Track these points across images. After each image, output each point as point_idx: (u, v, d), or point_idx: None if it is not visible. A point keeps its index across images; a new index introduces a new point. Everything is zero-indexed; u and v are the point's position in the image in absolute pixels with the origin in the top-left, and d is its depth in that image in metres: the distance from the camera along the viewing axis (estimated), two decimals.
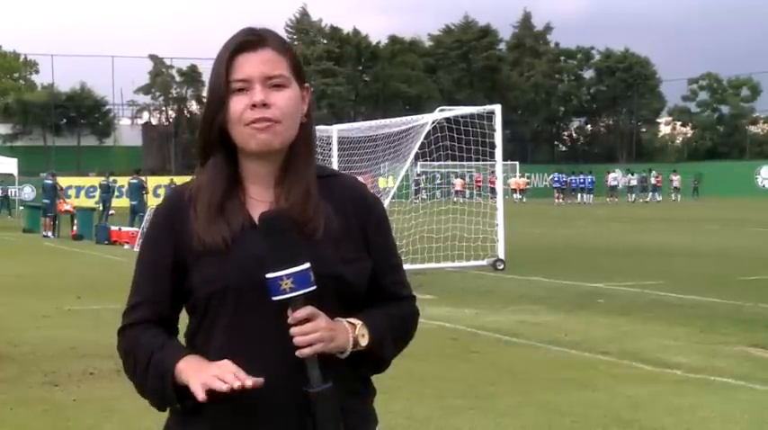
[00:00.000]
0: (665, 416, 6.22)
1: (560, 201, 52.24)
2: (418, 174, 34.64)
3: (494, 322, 10.19)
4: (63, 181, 34.77)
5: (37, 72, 68.35)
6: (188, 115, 67.08)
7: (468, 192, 31.69)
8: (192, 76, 66.42)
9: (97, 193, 36.59)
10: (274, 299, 1.77)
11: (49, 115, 62.00)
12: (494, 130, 17.09)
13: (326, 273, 1.82)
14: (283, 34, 2.03)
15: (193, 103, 67.37)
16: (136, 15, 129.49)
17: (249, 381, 1.74)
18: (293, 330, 1.78)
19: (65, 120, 64.09)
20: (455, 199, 28.99)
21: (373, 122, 21.73)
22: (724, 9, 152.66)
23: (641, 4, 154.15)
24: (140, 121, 68.85)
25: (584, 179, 54.40)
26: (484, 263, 16.08)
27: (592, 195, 53.64)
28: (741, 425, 6.06)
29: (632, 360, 8.03)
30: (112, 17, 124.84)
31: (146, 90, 67.45)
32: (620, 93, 76.40)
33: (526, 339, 9.15)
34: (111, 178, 33.00)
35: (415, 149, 17.85)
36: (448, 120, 18.13)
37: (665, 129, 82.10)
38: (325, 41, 72.15)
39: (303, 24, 72.97)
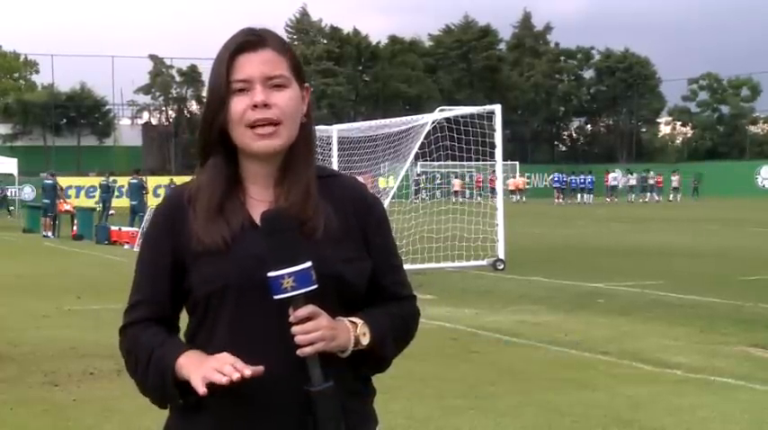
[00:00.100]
0: (665, 416, 6.22)
1: (560, 201, 52.24)
2: (418, 174, 34.64)
3: (494, 322, 10.19)
4: (63, 181, 34.78)
5: (37, 72, 68.42)
6: (188, 115, 67.09)
7: (468, 192, 31.72)
8: (191, 76, 66.43)
9: (97, 193, 36.59)
10: (275, 297, 1.77)
11: (49, 115, 62.00)
12: (494, 130, 17.09)
13: (326, 273, 1.82)
14: (283, 34, 2.03)
15: (193, 102, 67.38)
16: (136, 15, 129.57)
17: (248, 371, 1.74)
18: (294, 329, 1.78)
19: (65, 121, 64.09)
20: (454, 199, 28.98)
21: (373, 122, 21.73)
22: (724, 9, 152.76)
23: (641, 4, 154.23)
24: (140, 121, 68.87)
25: (584, 179, 54.39)
26: (484, 263, 16.08)
27: (592, 195, 53.63)
28: (741, 425, 6.06)
29: (632, 360, 8.03)
30: (112, 17, 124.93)
31: (146, 90, 67.46)
32: (620, 93, 76.41)
33: (526, 339, 9.15)
34: (111, 178, 32.99)
35: (415, 149, 17.85)
36: (448, 120, 18.13)
37: (665, 129, 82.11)
38: (325, 41, 72.16)
39: (303, 24, 72.97)
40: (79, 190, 47.73)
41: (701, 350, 8.49)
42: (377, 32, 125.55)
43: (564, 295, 12.36)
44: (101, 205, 30.86)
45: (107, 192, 31.07)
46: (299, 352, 1.78)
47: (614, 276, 14.32)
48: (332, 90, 66.21)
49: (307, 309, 1.78)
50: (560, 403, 6.56)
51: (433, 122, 17.84)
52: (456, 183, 38.98)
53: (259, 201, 1.92)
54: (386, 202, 17.12)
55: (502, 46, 78.63)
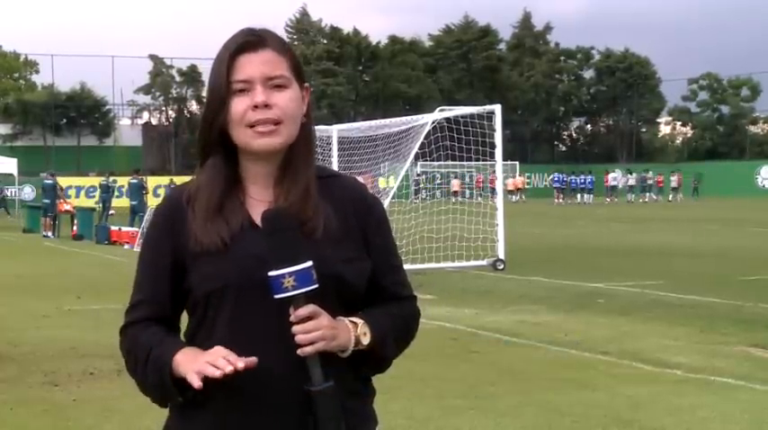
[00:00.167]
0: (665, 416, 6.22)
1: (560, 201, 52.24)
2: (418, 174, 34.64)
3: (494, 322, 10.19)
4: (63, 181, 34.79)
5: (37, 72, 68.41)
6: (188, 115, 67.09)
7: (468, 192, 31.73)
8: (191, 76, 66.43)
9: (97, 193, 36.59)
10: (276, 297, 1.77)
11: (49, 115, 62.00)
12: (494, 130, 17.09)
13: (326, 273, 1.82)
14: (283, 34, 2.03)
15: (193, 102, 67.37)
16: (136, 15, 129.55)
17: (241, 363, 1.74)
18: (295, 328, 1.78)
19: (65, 121, 64.09)
20: (454, 199, 28.98)
21: (373, 122, 21.73)
22: (724, 9, 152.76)
23: (641, 4, 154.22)
24: (140, 121, 68.86)
25: (584, 179, 54.39)
26: (484, 263, 16.08)
27: (592, 195, 53.63)
28: (741, 425, 6.06)
29: (632, 360, 8.03)
30: (112, 17, 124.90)
31: (146, 90, 67.46)
32: (620, 93, 76.40)
33: (526, 339, 9.15)
34: (111, 178, 33.01)
35: (415, 149, 17.85)
36: (448, 120, 18.13)
37: (665, 129, 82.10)
38: (325, 41, 72.16)
39: (303, 24, 72.97)
40: (79, 190, 47.73)
41: (701, 350, 8.49)
42: (377, 32, 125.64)
43: (564, 295, 12.36)
44: (101, 205, 30.87)
45: (107, 192, 31.07)
46: (299, 351, 1.78)
47: (614, 276, 14.32)
48: (332, 90, 66.21)
49: (307, 308, 1.78)
50: (560, 403, 6.56)
51: (433, 122, 17.84)
52: (455, 184, 38.98)
53: (259, 200, 1.92)
54: (386, 202, 17.12)
55: (502, 46, 78.63)
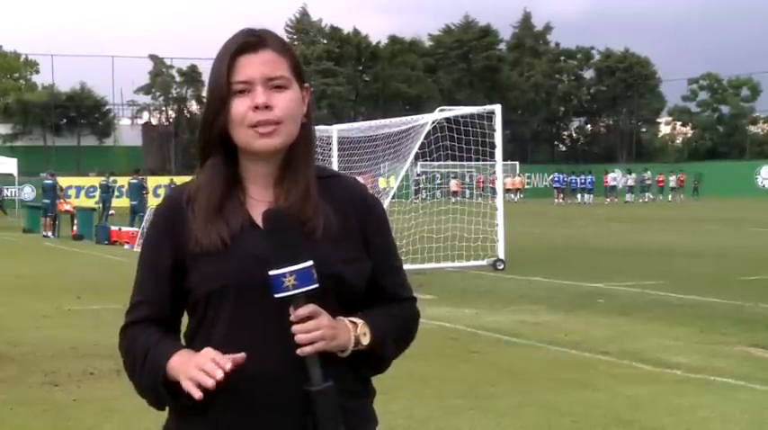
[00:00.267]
0: (665, 416, 6.22)
1: (560, 201, 52.23)
2: (418, 174, 34.62)
3: (494, 322, 10.19)
4: (63, 181, 34.80)
5: (37, 72, 68.40)
6: (188, 115, 67.08)
7: (468, 191, 31.69)
8: (192, 76, 66.42)
9: (97, 193, 36.60)
10: (276, 296, 1.77)
11: (49, 115, 61.99)
12: (494, 130, 17.09)
13: (326, 273, 1.82)
14: (283, 34, 2.03)
15: (193, 102, 67.36)
16: (136, 15, 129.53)
17: (229, 364, 1.74)
18: (295, 328, 1.78)
19: (65, 120, 64.08)
20: (454, 199, 28.98)
21: (373, 122, 21.73)
22: (724, 9, 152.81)
23: (641, 4, 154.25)
24: (140, 121, 68.85)
25: (584, 179, 54.40)
26: (484, 263, 16.08)
27: (592, 195, 53.63)
28: (741, 425, 6.06)
29: (632, 360, 8.03)
30: (112, 17, 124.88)
31: (146, 90, 67.44)
32: (620, 93, 76.40)
33: (526, 339, 9.15)
34: (111, 178, 33.01)
35: (415, 149, 17.85)
36: (448, 120, 18.13)
37: (665, 129, 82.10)
38: (325, 41, 72.15)
39: (303, 24, 72.96)
40: (79, 190, 47.73)
41: (701, 350, 8.50)
42: (377, 32, 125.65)
43: (564, 295, 12.37)
44: (101, 205, 30.87)
45: (107, 192, 31.07)
46: (298, 351, 1.78)
47: (614, 276, 14.32)
48: (332, 90, 66.21)
49: (307, 308, 1.78)
50: (560, 403, 6.56)
51: (433, 122, 17.84)
52: (453, 184, 38.95)
53: (259, 201, 1.92)
54: (386, 202, 17.12)
55: (502, 46, 78.61)
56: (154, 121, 69.07)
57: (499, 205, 16.89)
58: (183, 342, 1.95)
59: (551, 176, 59.34)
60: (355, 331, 1.87)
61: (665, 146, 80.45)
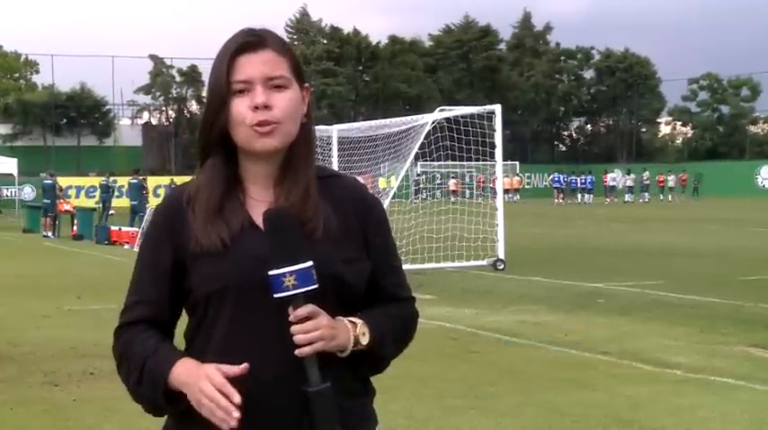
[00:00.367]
0: (665, 416, 6.22)
1: (560, 201, 52.22)
2: (418, 174, 34.62)
3: (494, 322, 10.19)
4: (63, 181, 34.79)
5: (37, 72, 68.37)
6: (188, 115, 67.06)
7: (468, 191, 31.71)
8: (192, 76, 66.40)
9: (97, 193, 36.61)
10: (276, 296, 1.77)
11: (49, 115, 61.97)
12: (494, 130, 17.09)
13: (326, 273, 1.82)
14: (283, 34, 2.03)
15: (193, 102, 67.34)
16: (136, 15, 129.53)
17: (237, 398, 1.73)
18: (294, 328, 1.78)
19: (65, 120, 64.05)
20: (453, 199, 28.99)
21: (373, 122, 21.73)
22: (724, 9, 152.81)
23: (641, 4, 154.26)
24: (140, 121, 68.81)
25: (584, 179, 54.39)
26: (484, 263, 16.08)
27: (592, 195, 53.63)
28: (741, 425, 6.06)
29: (632, 360, 8.03)
30: (112, 17, 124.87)
31: (146, 90, 67.42)
32: (620, 93, 76.38)
33: (526, 339, 9.15)
34: (111, 178, 33.02)
35: (415, 149, 17.85)
36: (448, 120, 18.13)
37: (665, 129, 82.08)
38: (325, 41, 72.14)
39: (303, 24, 72.95)
40: (79, 190, 47.71)
41: (701, 350, 8.50)
42: (377, 32, 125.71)
43: (564, 295, 12.37)
44: (101, 205, 30.88)
45: (107, 192, 31.08)
46: (297, 352, 1.77)
47: (614, 276, 14.32)
48: (332, 90, 66.20)
49: (306, 308, 1.78)
50: (560, 403, 6.56)
51: (433, 122, 17.84)
52: (451, 184, 38.94)
53: (259, 201, 1.92)
54: (386, 202, 17.12)
55: (502, 46, 78.59)
56: (154, 121, 69.05)
57: (499, 205, 16.89)
58: (181, 341, 1.94)
59: (551, 176, 59.30)
60: (354, 331, 1.86)
61: (665, 146, 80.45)
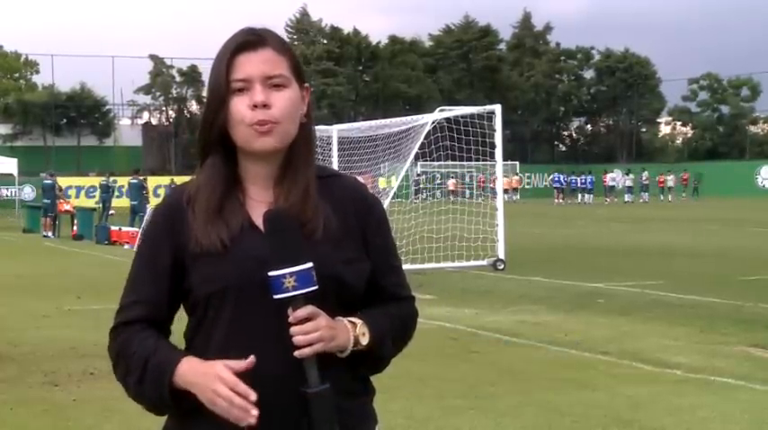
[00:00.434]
0: (665, 416, 6.22)
1: (560, 201, 52.22)
2: (418, 174, 34.61)
3: (494, 322, 10.19)
4: (63, 181, 34.79)
5: (37, 72, 68.36)
6: (188, 115, 67.07)
7: (468, 191, 31.72)
8: (192, 76, 66.40)
9: (97, 193, 36.60)
10: (276, 297, 1.77)
11: (49, 115, 61.97)
12: (494, 130, 17.09)
13: (326, 274, 1.82)
14: (283, 34, 2.03)
15: (193, 102, 67.34)
16: (136, 15, 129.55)
17: (253, 396, 1.74)
18: (293, 329, 1.78)
19: (65, 120, 64.06)
20: (453, 199, 28.99)
21: (373, 122, 21.73)
22: (724, 9, 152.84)
23: (641, 4, 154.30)
24: (140, 121, 68.82)
25: (584, 179, 54.39)
26: (484, 263, 16.08)
27: (592, 195, 53.63)
28: (741, 425, 6.06)
29: (632, 360, 8.03)
30: (112, 17, 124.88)
31: (146, 90, 67.43)
32: (621, 93, 76.37)
33: (526, 339, 9.15)
34: (111, 178, 33.01)
35: (415, 149, 17.85)
36: (448, 120, 18.13)
37: (665, 130, 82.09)
38: (325, 41, 72.14)
39: (303, 24, 72.95)
40: (79, 190, 47.71)
41: (701, 350, 8.50)
42: (377, 32, 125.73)
43: (564, 295, 12.36)
44: (101, 205, 30.88)
45: (107, 192, 31.08)
46: (296, 353, 1.77)
47: (614, 276, 14.32)
48: (332, 90, 66.20)
49: (306, 309, 1.78)
50: (560, 403, 6.56)
51: (433, 122, 17.84)
52: (450, 184, 38.93)
53: (258, 201, 1.91)
54: (386, 202, 17.12)
55: (502, 46, 78.59)
56: (154, 121, 69.05)
57: (499, 205, 16.89)
58: (181, 341, 1.94)
59: (551, 176, 59.30)
60: (354, 331, 1.86)
61: (665, 146, 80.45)
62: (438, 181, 38.77)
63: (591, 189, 53.89)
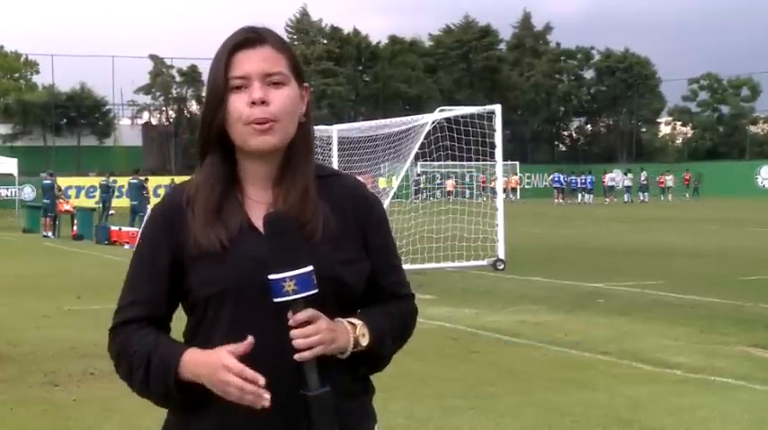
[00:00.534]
0: (665, 416, 6.22)
1: (560, 201, 52.21)
2: (418, 174, 34.63)
3: (494, 322, 10.19)
4: (63, 181, 34.80)
5: (37, 72, 68.36)
6: (188, 115, 67.05)
7: (467, 191, 31.75)
8: (192, 76, 66.39)
9: (97, 193, 36.59)
10: (276, 300, 1.76)
11: (49, 115, 61.96)
12: (494, 130, 17.09)
13: (325, 275, 1.81)
14: (283, 34, 2.03)
15: (193, 102, 67.33)
16: (136, 15, 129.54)
17: (261, 380, 1.75)
18: (294, 333, 1.77)
19: (65, 120, 64.04)
20: (452, 199, 29.01)
21: (373, 122, 21.73)
22: (724, 9, 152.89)
23: (641, 4, 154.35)
24: (140, 121, 68.81)
25: (584, 179, 54.39)
26: (484, 263, 16.07)
27: (592, 195, 53.63)
28: (741, 425, 6.06)
29: (632, 360, 8.03)
30: (112, 17, 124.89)
31: (146, 90, 67.43)
32: (621, 93, 76.36)
33: (526, 339, 9.15)
34: (111, 178, 33.01)
35: (415, 149, 17.85)
36: (448, 120, 18.13)
37: (665, 130, 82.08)
38: (325, 41, 72.13)
39: (303, 24, 72.95)
40: (79, 190, 47.70)
41: (701, 350, 8.49)
42: (377, 32, 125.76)
43: (564, 295, 12.36)
44: (101, 205, 30.87)
45: (107, 192, 31.07)
46: (296, 356, 1.76)
47: (614, 276, 14.32)
48: (332, 90, 66.19)
49: (306, 312, 1.77)
50: (560, 403, 6.56)
51: (433, 122, 17.84)
52: (448, 184, 38.93)
53: (257, 202, 1.91)
54: (386, 202, 17.12)
55: (502, 46, 78.58)
56: (154, 121, 69.04)
57: (499, 205, 16.89)
58: (180, 340, 1.94)
59: (551, 176, 59.28)
60: (354, 332, 1.86)
61: (665, 146, 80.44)
62: (438, 181, 38.78)
63: (591, 189, 53.89)
